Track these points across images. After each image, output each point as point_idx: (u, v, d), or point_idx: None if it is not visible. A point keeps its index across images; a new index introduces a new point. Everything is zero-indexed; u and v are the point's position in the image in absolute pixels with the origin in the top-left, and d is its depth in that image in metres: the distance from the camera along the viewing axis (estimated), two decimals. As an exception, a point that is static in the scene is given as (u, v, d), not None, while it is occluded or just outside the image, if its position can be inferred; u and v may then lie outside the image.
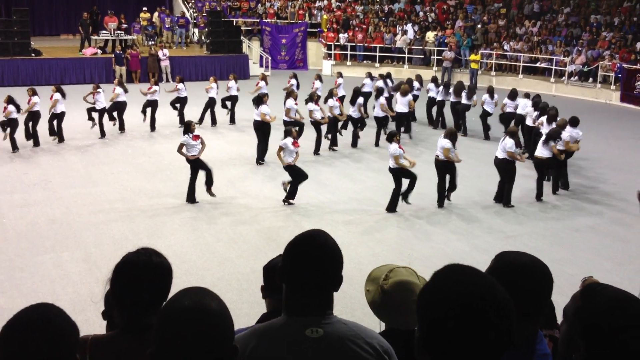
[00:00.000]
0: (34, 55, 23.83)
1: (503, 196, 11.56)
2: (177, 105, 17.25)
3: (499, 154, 11.50)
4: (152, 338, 1.71)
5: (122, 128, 16.54)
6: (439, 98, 17.72)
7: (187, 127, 11.33)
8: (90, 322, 6.81)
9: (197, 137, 11.22)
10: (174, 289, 1.98)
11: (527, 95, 15.63)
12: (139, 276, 2.33)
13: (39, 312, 1.89)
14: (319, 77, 18.26)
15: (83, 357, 2.33)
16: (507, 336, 1.46)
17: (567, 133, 12.27)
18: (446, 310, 1.45)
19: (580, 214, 11.48)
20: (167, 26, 28.11)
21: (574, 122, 12.71)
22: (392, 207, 11.04)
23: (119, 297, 2.38)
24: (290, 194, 11.26)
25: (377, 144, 15.85)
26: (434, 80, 18.34)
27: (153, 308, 2.25)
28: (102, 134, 15.93)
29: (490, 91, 16.58)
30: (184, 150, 11.20)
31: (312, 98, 14.82)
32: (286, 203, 11.27)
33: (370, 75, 18.83)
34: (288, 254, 2.21)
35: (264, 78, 17.86)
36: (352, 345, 2.08)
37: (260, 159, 14.00)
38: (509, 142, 11.30)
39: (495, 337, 1.44)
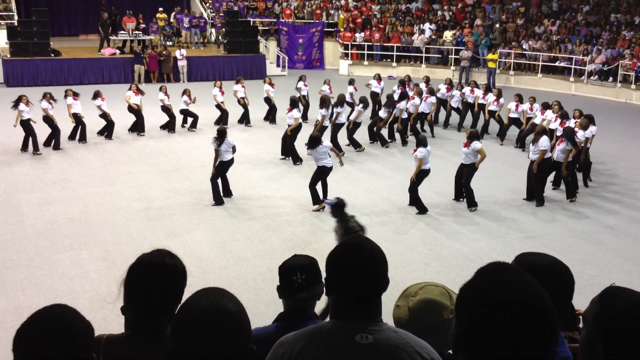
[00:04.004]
0: (53, 55, 24.05)
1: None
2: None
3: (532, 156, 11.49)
4: (169, 338, 1.71)
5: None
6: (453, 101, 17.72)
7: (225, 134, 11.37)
8: (109, 320, 6.88)
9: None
10: (191, 288, 1.98)
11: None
12: (151, 278, 2.30)
13: (53, 313, 1.89)
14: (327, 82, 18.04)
15: (97, 356, 2.34)
16: (547, 337, 1.46)
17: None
18: (486, 309, 1.45)
19: (600, 214, 11.35)
20: (185, 26, 28.25)
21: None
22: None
23: (130, 298, 2.36)
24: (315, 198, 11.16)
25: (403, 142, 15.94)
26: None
27: (164, 311, 2.24)
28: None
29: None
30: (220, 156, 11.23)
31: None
32: (319, 208, 11.05)
33: (379, 77, 18.76)
34: (333, 265, 2.16)
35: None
36: (403, 354, 2.04)
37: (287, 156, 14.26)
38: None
39: (534, 337, 1.44)
